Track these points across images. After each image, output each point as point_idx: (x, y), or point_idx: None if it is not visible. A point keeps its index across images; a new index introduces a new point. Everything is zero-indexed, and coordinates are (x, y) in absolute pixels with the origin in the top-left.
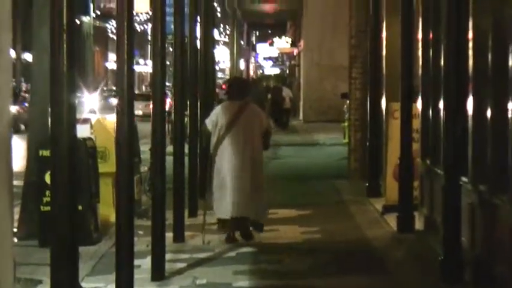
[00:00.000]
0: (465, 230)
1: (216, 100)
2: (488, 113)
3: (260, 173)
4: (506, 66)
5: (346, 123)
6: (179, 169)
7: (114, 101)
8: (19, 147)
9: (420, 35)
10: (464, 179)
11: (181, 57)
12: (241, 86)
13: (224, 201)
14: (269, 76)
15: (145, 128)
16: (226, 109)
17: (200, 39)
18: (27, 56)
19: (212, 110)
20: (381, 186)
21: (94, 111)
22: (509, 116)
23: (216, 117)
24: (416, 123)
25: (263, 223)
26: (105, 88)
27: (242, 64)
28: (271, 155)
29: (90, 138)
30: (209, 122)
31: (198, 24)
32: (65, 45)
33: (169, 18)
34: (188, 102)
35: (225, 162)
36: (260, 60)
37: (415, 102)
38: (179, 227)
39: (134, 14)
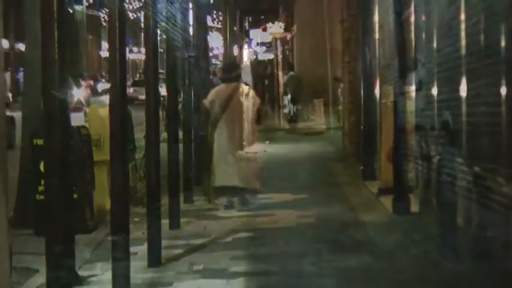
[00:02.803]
0: (461, 211)
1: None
2: (482, 91)
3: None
4: (499, 47)
5: (341, 107)
6: (174, 156)
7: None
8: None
9: (412, 17)
10: (458, 159)
11: (174, 44)
12: (234, 70)
13: (224, 171)
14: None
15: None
16: (221, 90)
17: (193, 26)
18: (21, 47)
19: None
20: (376, 169)
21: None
22: (503, 95)
23: (213, 98)
24: (410, 105)
25: (256, 188)
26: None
27: (236, 50)
28: (267, 140)
29: (84, 127)
30: (207, 102)
31: (191, 11)
32: (56, 34)
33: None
34: (181, 89)
35: (223, 137)
36: (253, 46)
37: (408, 84)
38: (175, 213)
39: (127, 1)
